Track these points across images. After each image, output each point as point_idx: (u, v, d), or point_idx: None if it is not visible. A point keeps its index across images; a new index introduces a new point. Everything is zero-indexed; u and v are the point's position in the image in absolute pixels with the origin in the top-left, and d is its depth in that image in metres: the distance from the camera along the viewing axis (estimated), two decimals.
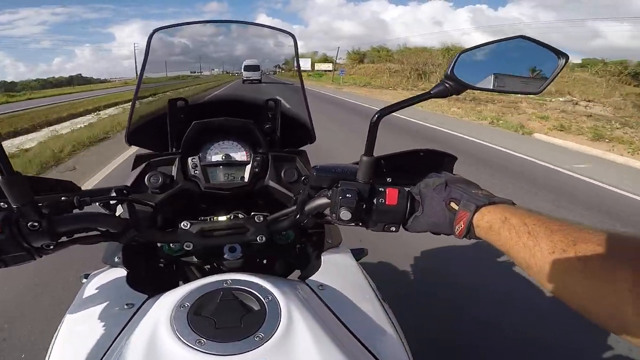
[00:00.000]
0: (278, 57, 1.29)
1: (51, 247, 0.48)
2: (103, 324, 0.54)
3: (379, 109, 0.49)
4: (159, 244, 0.74)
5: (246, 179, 0.78)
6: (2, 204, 0.54)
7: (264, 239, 0.64)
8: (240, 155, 0.79)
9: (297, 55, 0.89)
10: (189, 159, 0.75)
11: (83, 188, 0.62)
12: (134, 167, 0.74)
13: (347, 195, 0.50)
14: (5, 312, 1.83)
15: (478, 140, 6.45)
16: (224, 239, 0.65)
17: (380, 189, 0.52)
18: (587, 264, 0.32)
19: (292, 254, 0.85)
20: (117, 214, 0.67)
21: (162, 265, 0.79)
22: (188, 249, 0.62)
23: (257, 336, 0.43)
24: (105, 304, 0.58)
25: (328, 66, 46.06)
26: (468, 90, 0.48)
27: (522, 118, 9.17)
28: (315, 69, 45.49)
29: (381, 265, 2.15)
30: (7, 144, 7.29)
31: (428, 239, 0.67)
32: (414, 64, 32.20)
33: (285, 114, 0.90)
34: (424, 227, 0.51)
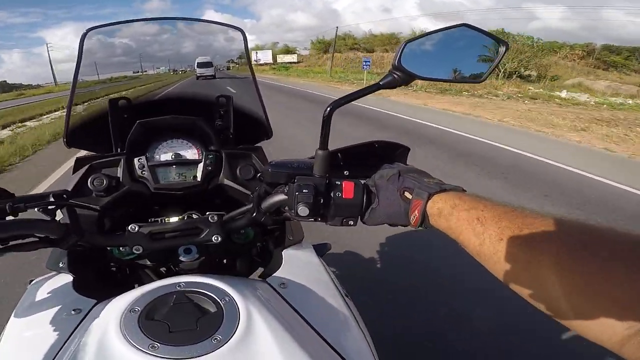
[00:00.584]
0: (230, 53, 1.27)
1: None
2: (49, 330, 0.51)
3: (330, 102, 0.48)
4: (108, 248, 0.70)
5: (199, 178, 0.75)
6: None
7: (219, 239, 0.62)
8: (191, 153, 0.75)
9: (247, 50, 0.87)
10: (135, 160, 0.71)
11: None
12: (75, 170, 0.69)
13: (304, 190, 0.49)
14: None
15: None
16: (177, 240, 0.62)
17: (336, 183, 0.51)
18: (532, 249, 0.33)
19: (253, 252, 0.83)
20: (57, 219, 0.62)
21: (114, 269, 0.75)
22: (137, 252, 0.59)
23: (215, 339, 0.42)
24: (51, 309, 0.55)
25: (292, 57, 44.29)
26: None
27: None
28: (278, 60, 43.17)
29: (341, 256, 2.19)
30: None
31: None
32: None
33: (239, 110, 0.87)
34: (381, 219, 0.51)
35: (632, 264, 0.27)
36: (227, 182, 0.76)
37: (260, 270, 0.85)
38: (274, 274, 0.64)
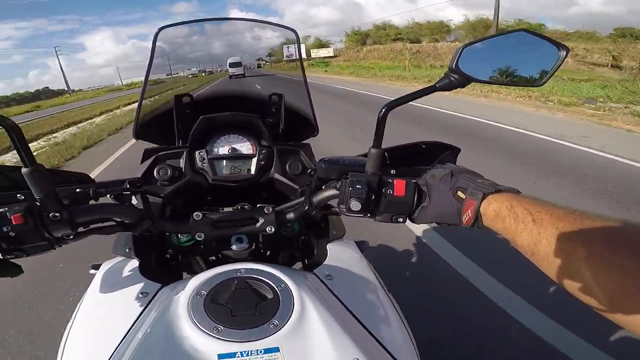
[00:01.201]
0: (258, 51, 1.33)
1: (70, 236, 0.49)
2: (118, 312, 0.55)
3: (385, 103, 0.50)
4: (167, 235, 0.76)
5: (253, 172, 0.79)
6: (19, 195, 0.56)
7: (273, 229, 0.66)
8: (246, 148, 0.80)
9: (299, 50, 0.90)
10: (197, 153, 0.76)
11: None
12: (142, 160, 0.76)
13: (357, 186, 0.51)
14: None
15: None
16: (234, 229, 0.66)
17: (388, 180, 0.53)
18: (590, 251, 0.33)
19: (295, 245, 0.86)
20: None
21: (167, 255, 0.81)
22: (200, 239, 0.63)
23: (272, 323, 0.45)
24: (119, 292, 0.60)
25: (327, 51, 39.67)
26: None
27: None
28: (312, 55, 38.49)
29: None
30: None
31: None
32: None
33: (288, 108, 0.91)
34: (431, 218, 0.52)
35: None
36: (277, 176, 0.80)
37: (298, 263, 0.89)
38: (319, 267, 0.67)
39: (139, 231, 0.59)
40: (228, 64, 1.61)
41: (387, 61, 29.64)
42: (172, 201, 0.74)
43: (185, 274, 0.86)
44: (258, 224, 0.66)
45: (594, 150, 4.29)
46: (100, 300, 0.60)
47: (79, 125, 11.18)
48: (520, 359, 1.51)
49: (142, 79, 0.80)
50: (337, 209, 0.59)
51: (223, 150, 0.79)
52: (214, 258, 0.79)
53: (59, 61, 54.60)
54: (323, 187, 0.62)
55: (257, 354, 0.42)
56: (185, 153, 0.76)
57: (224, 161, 0.78)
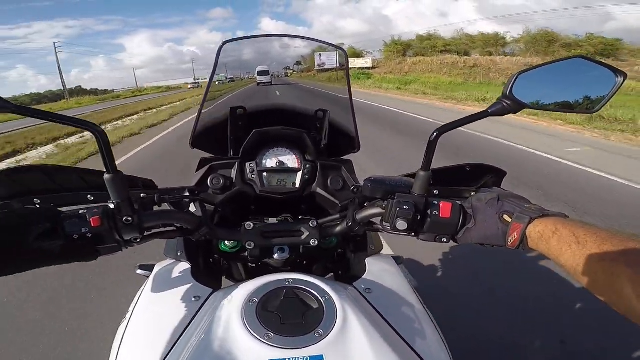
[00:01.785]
0: (285, 60, 1.38)
1: (138, 240, 0.54)
2: (172, 314, 0.58)
3: (437, 127, 0.51)
4: (214, 240, 0.79)
5: (297, 185, 0.82)
6: (89, 196, 0.61)
7: (316, 242, 0.68)
8: (292, 162, 0.83)
9: (347, 69, 0.92)
10: (247, 164, 0.80)
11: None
12: (198, 169, 0.80)
13: (405, 207, 0.53)
14: None
15: None
16: (280, 240, 0.69)
17: (434, 202, 0.55)
18: (635, 270, 0.35)
19: (330, 258, 0.88)
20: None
21: (211, 259, 0.85)
22: (250, 247, 0.66)
23: (317, 332, 0.47)
24: (172, 295, 0.63)
25: (365, 62, 35.32)
26: None
27: None
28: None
29: None
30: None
31: None
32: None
33: (332, 124, 0.94)
34: (475, 239, 0.54)
35: None
36: (319, 190, 0.83)
37: (330, 275, 0.91)
38: (359, 280, 0.68)
39: (197, 237, 0.62)
40: (257, 72, 1.69)
41: (437, 74, 27.27)
42: (223, 209, 0.78)
43: (224, 279, 0.90)
44: (303, 236, 0.69)
45: None
46: (154, 302, 0.63)
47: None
48: None
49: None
50: (379, 226, 0.61)
51: (271, 163, 0.82)
52: (253, 265, 0.82)
53: (57, 60, 48.18)
54: (366, 205, 0.64)
55: None
56: (237, 164, 0.80)
57: (272, 174, 0.82)
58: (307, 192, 0.83)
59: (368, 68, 34.09)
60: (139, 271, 1.00)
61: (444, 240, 0.56)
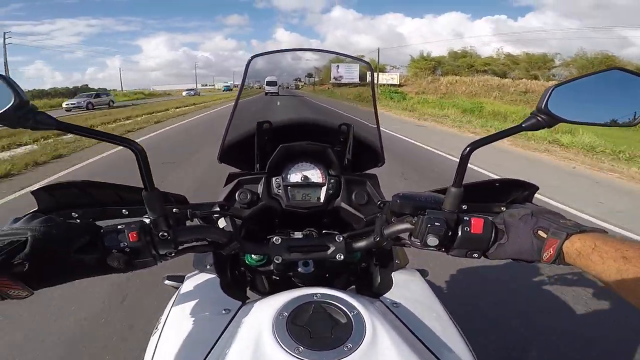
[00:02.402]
0: (296, 72, 1.39)
1: (172, 254, 0.55)
2: (203, 326, 0.59)
3: (470, 142, 0.50)
4: (240, 254, 0.80)
5: (322, 200, 0.83)
6: (124, 210, 0.63)
7: (342, 257, 0.68)
8: (316, 177, 0.84)
9: (372, 82, 0.93)
10: (273, 179, 0.81)
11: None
12: (226, 184, 0.82)
13: (436, 223, 0.53)
14: None
15: None
16: (307, 254, 0.69)
17: (465, 218, 0.54)
18: None
19: (352, 272, 0.87)
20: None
21: (237, 273, 0.86)
22: (277, 262, 0.66)
23: (346, 346, 0.46)
24: (203, 307, 0.64)
25: (390, 78, 30.68)
26: None
27: None
28: (367, 80, 28.39)
29: None
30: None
31: None
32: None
33: (356, 138, 0.94)
34: (508, 255, 0.53)
35: None
36: (343, 205, 0.83)
37: (352, 288, 0.89)
38: (385, 295, 0.68)
39: (227, 251, 0.63)
40: (265, 82, 1.71)
41: (486, 98, 22.76)
42: (250, 224, 0.79)
43: (248, 290, 0.90)
44: (329, 251, 0.68)
45: None
46: (185, 314, 0.64)
47: None
48: None
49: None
50: (407, 242, 0.60)
51: (296, 177, 0.83)
52: (277, 278, 0.83)
53: (5, 49, 35.63)
54: (394, 220, 0.63)
55: None
56: (263, 179, 0.81)
57: (297, 188, 0.83)
58: (331, 206, 0.84)
59: (394, 85, 29.64)
60: (167, 282, 1.01)
61: (475, 255, 0.55)
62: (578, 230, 0.47)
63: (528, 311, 2.03)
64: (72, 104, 22.38)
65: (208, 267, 0.75)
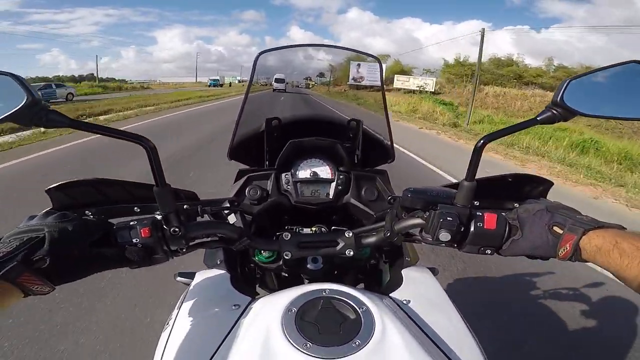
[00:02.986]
0: (307, 70, 1.39)
1: (183, 249, 0.55)
2: (213, 322, 0.59)
3: (483, 135, 0.50)
4: (250, 250, 0.80)
5: (331, 196, 0.82)
6: (136, 208, 0.64)
7: (352, 253, 0.67)
8: (326, 173, 0.83)
9: (382, 77, 0.92)
10: (283, 175, 0.81)
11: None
12: (236, 180, 0.82)
13: (448, 218, 0.52)
14: None
15: None
16: (316, 250, 0.69)
17: (478, 213, 0.53)
18: None
19: (361, 269, 0.87)
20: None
21: (246, 269, 0.86)
22: (287, 257, 0.66)
23: (355, 342, 0.46)
24: (213, 303, 0.64)
25: (425, 84, 25.11)
26: None
27: None
28: (395, 83, 25.19)
29: None
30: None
31: None
32: None
33: (365, 133, 0.94)
34: (522, 251, 0.52)
35: None
36: (353, 201, 0.82)
37: (360, 285, 0.89)
38: (396, 291, 0.67)
39: (237, 247, 0.64)
40: (274, 79, 1.73)
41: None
42: (260, 220, 0.79)
43: (258, 287, 0.90)
44: (338, 247, 0.68)
45: None
46: (196, 309, 0.64)
47: None
48: None
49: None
50: (418, 237, 0.60)
51: (305, 173, 0.83)
52: (286, 275, 0.83)
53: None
54: (404, 215, 0.63)
55: None
56: (272, 175, 0.81)
57: (306, 184, 0.82)
58: (341, 202, 0.83)
59: (432, 93, 24.44)
60: (178, 278, 1.02)
61: (488, 252, 0.55)
62: (596, 225, 0.45)
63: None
64: None
65: (218, 262, 0.75)
